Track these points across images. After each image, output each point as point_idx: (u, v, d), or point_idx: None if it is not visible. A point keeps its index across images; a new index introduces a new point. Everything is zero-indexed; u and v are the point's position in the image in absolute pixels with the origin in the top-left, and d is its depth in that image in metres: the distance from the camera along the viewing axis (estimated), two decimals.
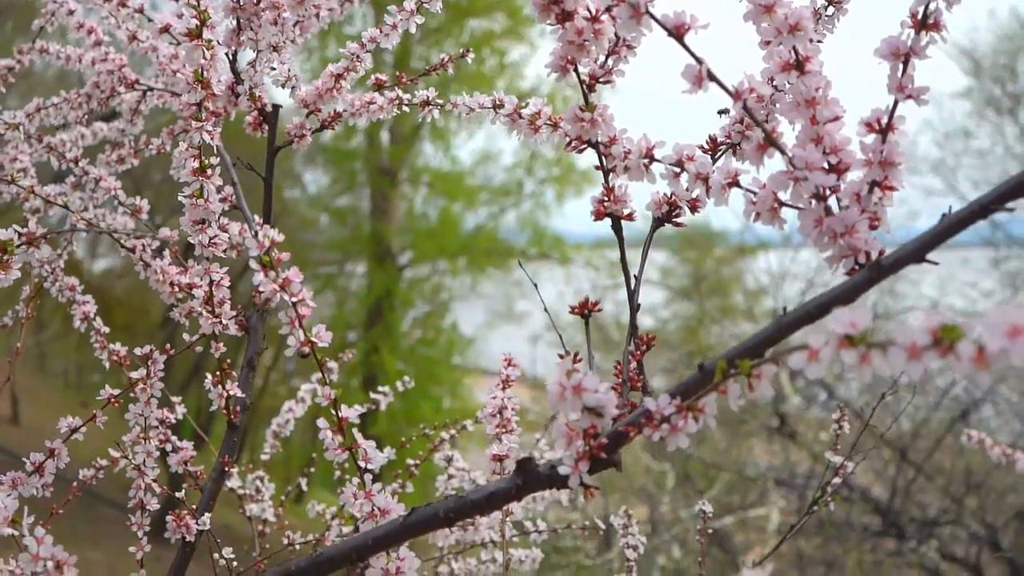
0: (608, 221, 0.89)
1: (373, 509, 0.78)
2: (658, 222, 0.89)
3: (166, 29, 1.16)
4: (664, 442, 0.62)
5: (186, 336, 1.14)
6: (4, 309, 1.53)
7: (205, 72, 1.00)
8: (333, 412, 0.79)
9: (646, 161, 0.86)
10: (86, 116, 1.52)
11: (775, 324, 0.65)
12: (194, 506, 1.11)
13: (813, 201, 0.72)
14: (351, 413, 0.80)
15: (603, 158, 0.87)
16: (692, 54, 0.70)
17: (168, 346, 1.10)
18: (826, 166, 0.72)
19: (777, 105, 0.78)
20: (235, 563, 1.24)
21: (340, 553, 0.77)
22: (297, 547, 1.53)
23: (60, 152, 1.48)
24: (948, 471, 6.70)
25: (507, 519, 1.34)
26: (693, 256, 10.93)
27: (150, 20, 1.41)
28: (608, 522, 1.57)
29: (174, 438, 1.13)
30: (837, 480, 1.42)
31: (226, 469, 1.13)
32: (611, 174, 0.88)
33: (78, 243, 1.42)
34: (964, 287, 8.60)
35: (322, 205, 11.46)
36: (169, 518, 1.09)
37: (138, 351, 1.10)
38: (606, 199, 0.88)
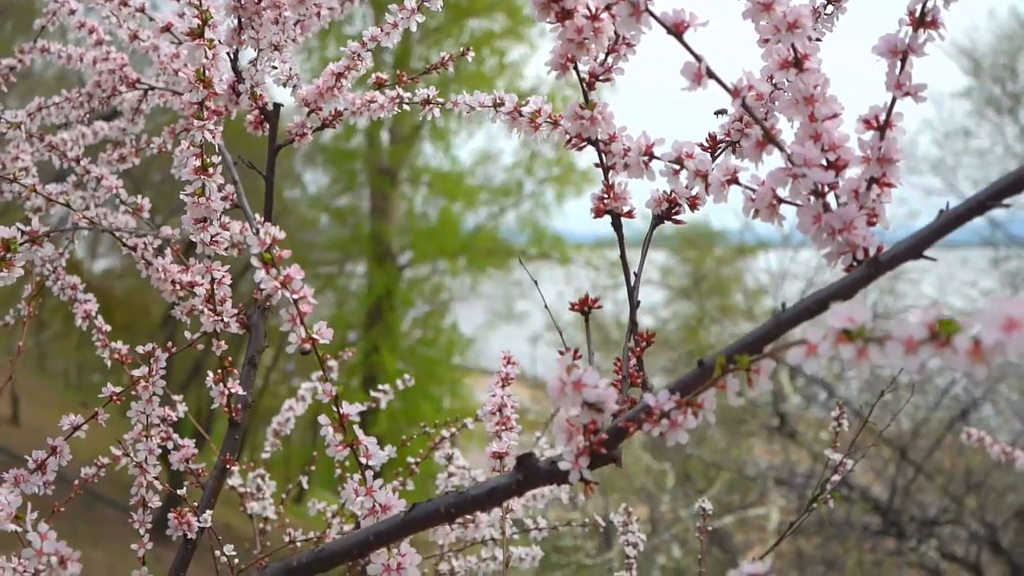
0: (608, 220, 0.90)
1: (374, 505, 0.78)
2: (658, 220, 0.90)
3: (167, 28, 1.17)
4: (664, 438, 0.62)
5: (187, 334, 1.14)
6: (5, 308, 1.53)
7: (207, 71, 1.00)
8: (334, 408, 0.79)
9: (645, 158, 0.86)
10: (87, 115, 1.52)
11: (774, 320, 0.66)
12: (195, 504, 1.11)
13: (812, 198, 0.72)
14: (352, 410, 0.80)
15: (603, 155, 0.88)
16: (691, 51, 0.71)
17: (169, 344, 1.11)
18: (824, 163, 0.72)
19: (776, 103, 0.79)
20: (236, 560, 1.24)
21: (342, 548, 0.77)
22: (298, 545, 1.54)
23: (61, 151, 1.49)
24: (948, 470, 6.70)
25: (507, 517, 1.35)
26: (693, 256, 10.94)
27: (151, 19, 1.42)
28: (608, 520, 1.58)
29: (176, 436, 1.13)
30: (836, 478, 1.42)
31: (227, 466, 1.14)
32: (611, 171, 0.88)
33: (78, 243, 1.43)
34: (964, 287, 8.62)
35: (322, 205, 11.46)
36: (171, 515, 1.09)
37: (140, 349, 1.11)
38: (606, 196, 0.89)
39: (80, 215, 1.36)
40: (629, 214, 0.89)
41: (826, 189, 0.72)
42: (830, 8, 0.87)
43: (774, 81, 0.76)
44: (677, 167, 0.84)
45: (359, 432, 0.80)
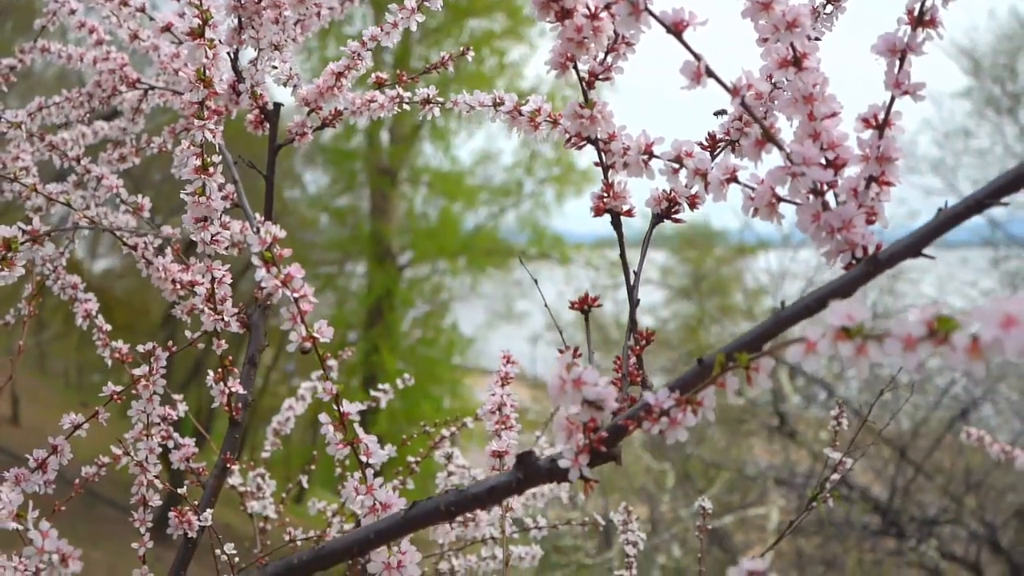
0: (607, 220, 0.90)
1: (375, 503, 0.78)
2: (657, 218, 0.90)
3: (167, 28, 1.17)
4: (663, 436, 0.62)
5: (188, 333, 1.14)
6: (5, 308, 1.53)
7: (207, 71, 1.00)
8: (335, 407, 0.79)
9: (645, 157, 0.86)
10: (87, 115, 1.52)
11: (773, 318, 0.66)
12: (196, 503, 1.11)
13: (811, 196, 0.73)
14: (353, 408, 0.80)
15: (602, 154, 0.88)
16: (691, 50, 0.71)
17: (170, 343, 1.11)
18: (824, 161, 0.72)
19: (775, 101, 0.79)
20: (236, 560, 1.24)
21: (342, 546, 0.78)
22: (298, 543, 1.54)
23: (62, 150, 1.49)
24: (948, 470, 6.70)
25: (507, 516, 1.35)
26: (693, 256, 10.94)
27: (151, 19, 1.42)
28: (608, 520, 1.58)
29: (176, 435, 1.13)
30: (836, 477, 1.42)
31: (228, 465, 1.14)
32: (610, 170, 0.88)
33: (79, 242, 1.43)
34: (964, 286, 8.62)
35: (322, 205, 11.46)
36: (171, 514, 1.09)
37: (140, 348, 1.11)
38: (605, 195, 0.89)
39: (80, 214, 1.36)
40: (629, 213, 0.90)
41: (825, 188, 0.72)
42: (829, 7, 0.88)
43: (773, 80, 0.77)
44: (676, 166, 0.85)
45: (359, 430, 0.80)
